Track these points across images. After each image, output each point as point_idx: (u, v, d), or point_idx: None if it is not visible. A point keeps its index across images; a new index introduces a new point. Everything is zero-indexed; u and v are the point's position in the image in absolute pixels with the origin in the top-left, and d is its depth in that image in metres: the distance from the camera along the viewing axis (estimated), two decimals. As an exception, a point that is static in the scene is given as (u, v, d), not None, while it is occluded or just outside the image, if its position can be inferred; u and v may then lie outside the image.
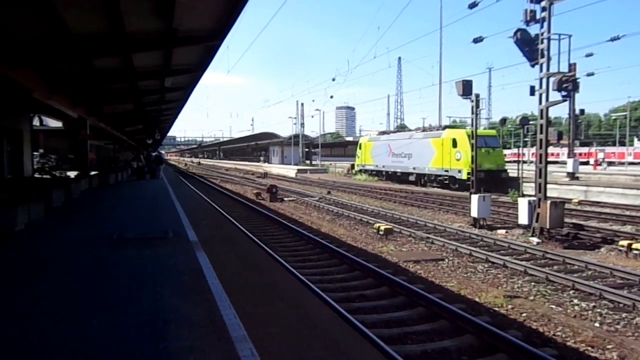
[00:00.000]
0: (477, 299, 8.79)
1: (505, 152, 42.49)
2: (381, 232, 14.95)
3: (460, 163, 29.62)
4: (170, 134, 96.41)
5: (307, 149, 70.96)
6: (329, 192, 30.02)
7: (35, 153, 26.46)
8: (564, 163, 34.62)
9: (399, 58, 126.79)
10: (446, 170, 31.25)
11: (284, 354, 4.18)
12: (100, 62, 14.19)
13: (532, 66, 15.37)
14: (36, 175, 19.64)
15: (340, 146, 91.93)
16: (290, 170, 54.79)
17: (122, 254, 7.81)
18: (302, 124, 68.98)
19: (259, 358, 3.91)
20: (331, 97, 67.32)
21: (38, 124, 27.33)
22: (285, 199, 26.30)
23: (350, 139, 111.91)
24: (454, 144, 30.57)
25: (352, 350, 4.63)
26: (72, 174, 18.91)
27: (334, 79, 61.04)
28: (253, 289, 6.17)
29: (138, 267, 6.92)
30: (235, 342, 4.23)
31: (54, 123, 28.46)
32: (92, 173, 23.92)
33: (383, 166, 40.24)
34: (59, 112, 18.88)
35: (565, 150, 35.86)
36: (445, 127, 36.05)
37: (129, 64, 14.82)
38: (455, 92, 17.75)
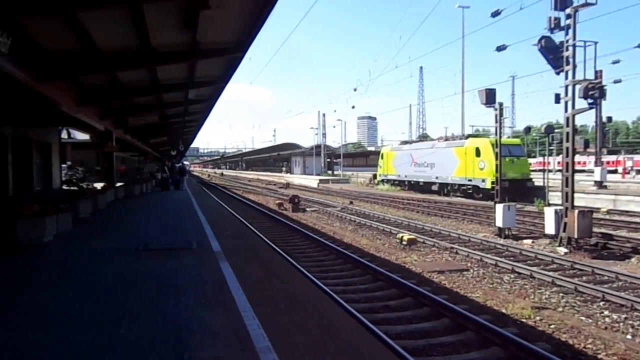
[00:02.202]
0: (503, 310, 8.63)
1: (530, 161, 41.88)
2: (404, 242, 14.84)
3: (484, 172, 29.29)
4: (193, 145, 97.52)
5: (328, 159, 71.08)
6: (351, 202, 29.96)
7: (63, 165, 27.08)
8: (591, 172, 33.95)
9: (421, 67, 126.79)
10: (470, 180, 30.92)
11: (308, 365, 4.14)
12: (126, 75, 14.47)
13: (557, 74, 15.17)
14: (64, 187, 20.06)
15: (362, 156, 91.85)
16: (312, 181, 54.89)
17: (147, 264, 7.89)
18: (324, 134, 69.29)
19: (283, 369, 3.88)
20: (353, 107, 66.93)
21: (66, 136, 27.97)
22: (307, 209, 26.33)
23: (372, 148, 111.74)
24: (477, 153, 30.26)
25: (377, 361, 4.57)
26: (98, 185, 19.24)
27: (355, 89, 60.84)
28: (276, 299, 6.16)
29: (162, 277, 6.97)
30: (260, 352, 4.22)
31: (81, 136, 29.09)
32: (118, 184, 24.30)
33: (405, 176, 40.03)
34: (86, 125, 19.27)
35: (592, 158, 35.15)
36: (468, 136, 35.74)
37: (153, 77, 15.09)
38: (478, 100, 17.60)
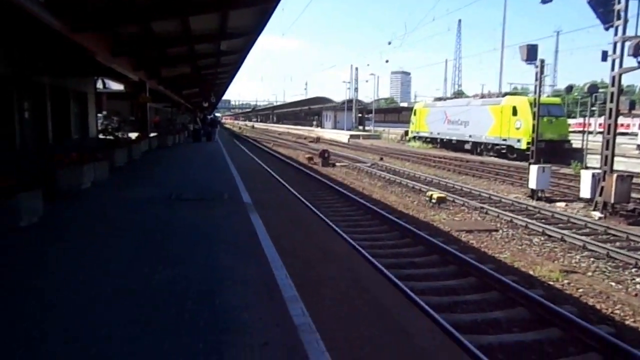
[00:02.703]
0: (531, 272, 8.64)
1: (570, 121, 40.61)
2: (434, 201, 14.80)
3: (519, 132, 28.64)
4: (225, 97, 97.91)
5: (360, 115, 70.44)
6: (381, 159, 29.86)
7: (99, 115, 27.65)
8: (635, 135, 32.82)
9: (459, 21, 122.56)
10: (504, 139, 30.31)
11: (334, 315, 4.30)
12: (159, 25, 14.50)
13: (606, 29, 14.43)
14: (100, 136, 20.55)
15: (394, 112, 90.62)
16: (342, 136, 54.67)
17: (180, 214, 8.14)
18: (356, 89, 68.36)
19: (309, 318, 4.04)
20: (387, 61, 66.00)
21: (101, 86, 28.42)
22: (337, 164, 26.38)
23: (404, 104, 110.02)
24: (514, 111, 29.51)
25: (402, 316, 4.71)
26: (133, 135, 19.64)
27: (390, 43, 59.67)
28: (305, 251, 6.32)
29: (194, 226, 7.21)
30: (287, 301, 4.39)
31: (115, 86, 29.50)
32: (152, 135, 24.75)
33: (438, 133, 39.47)
34: (120, 75, 19.53)
35: (637, 121, 33.92)
36: (506, 94, 34.78)
37: (186, 27, 15.09)
38: (519, 57, 17.03)
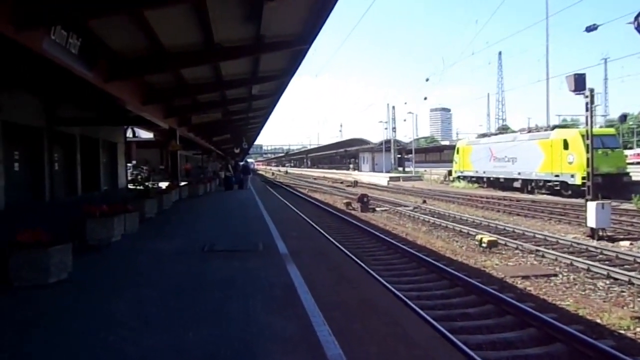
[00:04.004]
0: (598, 320, 8.23)
1: (627, 152, 39.54)
2: (484, 245, 14.48)
3: (573, 167, 28.01)
4: (257, 142, 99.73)
5: (399, 155, 70.34)
6: (424, 201, 29.57)
7: (128, 164, 28.52)
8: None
9: (500, 53, 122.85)
10: (556, 175, 29.67)
11: (382, 375, 4.14)
12: (190, 72, 15.04)
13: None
14: (129, 186, 21.08)
15: (436, 151, 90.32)
16: (381, 178, 54.60)
17: (213, 266, 8.15)
18: (394, 129, 68.54)
19: (356, 378, 3.90)
20: (425, 98, 65.64)
21: (131, 135, 29.43)
22: (377, 208, 26.24)
23: (446, 143, 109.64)
24: (565, 145, 28.97)
25: (457, 374, 4.50)
26: (162, 184, 20.07)
27: (427, 79, 59.84)
28: (347, 304, 6.19)
29: (228, 279, 7.19)
30: (331, 360, 4.25)
31: (145, 134, 30.51)
32: (182, 184, 25.25)
33: (484, 172, 38.99)
34: (150, 123, 20.20)
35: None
36: (555, 127, 34.26)
37: (217, 73, 15.59)
38: (566, 88, 16.83)
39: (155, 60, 12.29)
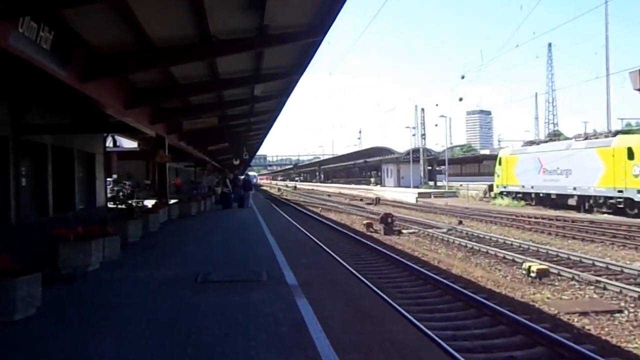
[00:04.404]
0: (673, 368, 8.11)
1: None
2: (532, 274, 14.38)
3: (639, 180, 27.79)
4: (260, 152, 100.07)
5: (430, 167, 70.30)
6: (460, 222, 29.45)
7: (108, 179, 28.76)
8: None
9: (549, 45, 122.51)
10: (620, 191, 29.41)
11: None
12: (181, 70, 15.17)
13: None
14: (109, 204, 21.22)
15: (473, 162, 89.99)
16: (408, 195, 54.52)
17: (208, 299, 8.15)
18: (423, 135, 68.62)
19: None
20: (460, 99, 65.84)
21: (111, 145, 29.72)
22: (403, 231, 26.18)
23: (486, 152, 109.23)
24: (630, 154, 28.75)
25: None
26: (149, 203, 20.16)
27: (463, 77, 59.97)
28: (368, 346, 6.16)
29: (228, 315, 7.18)
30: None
31: (128, 143, 30.80)
32: (172, 202, 25.38)
33: (531, 187, 38.79)
34: (134, 131, 20.34)
35: None
36: (617, 132, 34.05)
37: (213, 70, 15.72)
38: (629, 85, 16.78)
39: (140, 56, 12.41)
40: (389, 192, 61.52)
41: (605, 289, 12.95)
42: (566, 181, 34.57)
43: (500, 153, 47.81)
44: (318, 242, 20.51)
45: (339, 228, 27.85)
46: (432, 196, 52.23)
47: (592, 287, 13.23)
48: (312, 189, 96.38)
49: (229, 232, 18.69)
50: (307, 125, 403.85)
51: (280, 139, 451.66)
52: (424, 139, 68.92)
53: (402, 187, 65.60)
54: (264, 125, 35.36)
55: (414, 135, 71.92)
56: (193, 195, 31.61)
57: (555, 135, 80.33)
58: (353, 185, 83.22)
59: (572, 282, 13.86)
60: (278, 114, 30.01)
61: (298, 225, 26.60)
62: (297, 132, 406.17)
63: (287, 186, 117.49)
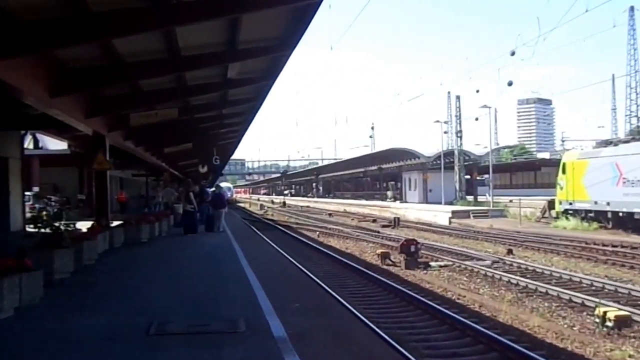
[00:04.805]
0: None
1: None
2: (609, 323, 14.30)
3: None
4: (236, 156, 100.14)
5: (468, 176, 70.33)
6: (509, 252, 29.36)
7: (27, 193, 28.64)
8: None
9: (631, 9, 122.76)
10: None
11: None
12: (127, 43, 15.10)
13: None
14: (29, 228, 21.12)
15: (528, 169, 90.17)
16: (439, 214, 54.50)
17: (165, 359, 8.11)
18: (459, 133, 68.58)
19: None
20: (510, 83, 65.35)
21: (31, 146, 29.66)
22: (432, 263, 26.06)
23: (545, 155, 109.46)
24: None
25: None
26: (83, 225, 20.09)
27: (513, 53, 59.47)
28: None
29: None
30: None
31: (55, 144, 30.73)
32: (115, 224, 25.29)
33: (607, 203, 38.66)
34: (63, 126, 20.26)
35: None
36: None
37: (171, 44, 15.69)
38: None
39: (71, 24, 12.38)
40: (412, 210, 61.41)
41: None
42: (656, 196, 34.58)
43: (565, 157, 47.68)
44: (315, 278, 20.42)
45: (344, 259, 27.70)
46: (471, 216, 52.15)
47: (692, 341, 13.21)
48: (308, 207, 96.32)
49: (194, 266, 18.66)
50: (300, 120, 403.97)
51: (263, 138, 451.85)
52: (460, 137, 68.84)
53: (430, 203, 65.54)
54: (241, 119, 35.30)
55: (446, 132, 72.11)
56: (144, 215, 31.51)
57: (639, 133, 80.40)
58: (363, 202, 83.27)
59: (664, 335, 13.84)
60: (260, 104, 29.95)
61: (288, 256, 26.53)
62: (287, 128, 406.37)
63: (272, 202, 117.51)
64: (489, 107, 69.44)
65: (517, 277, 21.38)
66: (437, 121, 73.43)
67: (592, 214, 40.38)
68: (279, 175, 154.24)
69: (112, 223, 24.65)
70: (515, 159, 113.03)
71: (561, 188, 44.37)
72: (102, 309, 11.64)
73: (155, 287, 14.57)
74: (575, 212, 42.02)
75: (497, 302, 18.06)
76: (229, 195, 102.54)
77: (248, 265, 17.80)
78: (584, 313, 16.00)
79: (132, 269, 18.08)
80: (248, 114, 33.32)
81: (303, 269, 22.73)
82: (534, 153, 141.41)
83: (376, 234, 42.52)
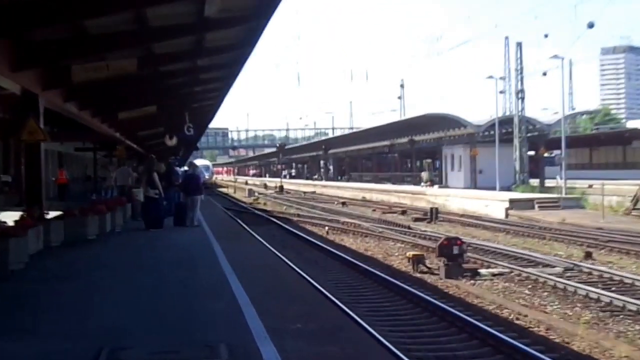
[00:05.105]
0: None
1: None
2: None
3: None
4: (215, 124, 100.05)
5: (532, 152, 70.14)
6: (587, 256, 29.37)
7: None
8: None
9: None
10: None
11: None
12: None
13: None
14: None
15: (615, 142, 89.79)
16: (492, 203, 54.39)
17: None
18: (521, 94, 68.36)
19: None
20: (590, 25, 64.67)
21: None
22: (481, 270, 26.05)
23: (637, 124, 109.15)
24: None
25: None
26: (8, 216, 20.10)
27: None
28: None
29: None
30: None
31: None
32: (52, 214, 25.31)
33: None
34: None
35: None
36: None
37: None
38: None
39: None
40: (456, 198, 61.49)
41: None
42: None
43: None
44: (323, 290, 20.46)
45: (362, 265, 27.69)
46: (536, 206, 52.04)
47: None
48: (313, 193, 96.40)
49: (160, 272, 18.70)
50: (304, 75, 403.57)
51: (253, 100, 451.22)
52: (522, 99, 68.64)
53: (479, 188, 65.48)
54: (223, 74, 35.08)
55: (502, 92, 71.91)
56: (91, 204, 31.42)
57: None
58: (388, 186, 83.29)
59: None
60: (248, 54, 29.63)
61: (286, 260, 26.57)
62: (285, 88, 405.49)
63: (265, 186, 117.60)
64: (562, 58, 69.23)
65: (598, 290, 21.38)
66: (491, 77, 73.03)
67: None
68: (274, 149, 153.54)
69: (48, 214, 24.63)
70: (597, 128, 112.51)
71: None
72: (33, 332, 11.65)
73: (107, 301, 14.60)
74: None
75: (571, 324, 18.08)
76: (207, 177, 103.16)
77: (232, 272, 17.82)
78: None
79: (75, 276, 18.11)
80: (232, 67, 33.01)
81: (306, 277, 22.73)
82: (623, 121, 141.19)
83: (406, 230, 42.61)
